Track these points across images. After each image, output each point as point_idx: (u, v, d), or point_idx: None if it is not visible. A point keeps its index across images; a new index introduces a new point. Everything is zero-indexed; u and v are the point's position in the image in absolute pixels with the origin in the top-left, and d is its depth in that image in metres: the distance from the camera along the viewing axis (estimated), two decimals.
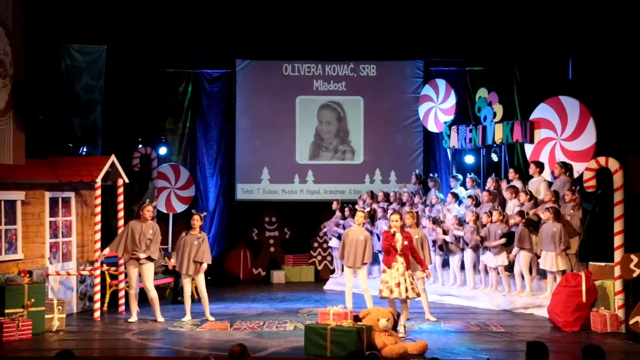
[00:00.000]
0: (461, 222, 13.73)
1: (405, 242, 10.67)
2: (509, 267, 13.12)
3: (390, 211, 14.12)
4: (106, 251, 12.07)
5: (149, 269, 11.89)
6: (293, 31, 16.87)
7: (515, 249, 12.63)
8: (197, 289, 12.05)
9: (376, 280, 14.89)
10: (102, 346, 10.42)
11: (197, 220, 11.95)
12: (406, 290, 10.53)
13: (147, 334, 10.98)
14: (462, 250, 13.66)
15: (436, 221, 13.99)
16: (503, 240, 12.78)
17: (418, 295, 10.84)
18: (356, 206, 13.86)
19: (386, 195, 15.60)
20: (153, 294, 11.93)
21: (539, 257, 12.51)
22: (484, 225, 13.18)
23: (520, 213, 12.74)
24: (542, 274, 12.75)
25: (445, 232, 13.88)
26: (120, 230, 12.22)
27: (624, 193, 11.17)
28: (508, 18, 15.88)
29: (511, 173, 14.21)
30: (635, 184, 11.65)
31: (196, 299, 12.81)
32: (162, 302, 12.35)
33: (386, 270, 10.68)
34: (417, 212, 12.84)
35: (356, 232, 11.96)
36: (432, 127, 16.78)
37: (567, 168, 13.13)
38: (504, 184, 14.12)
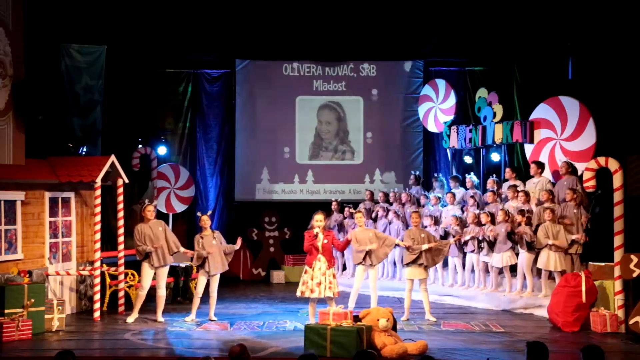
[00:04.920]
0: (461, 222, 13.76)
1: (326, 241, 10.94)
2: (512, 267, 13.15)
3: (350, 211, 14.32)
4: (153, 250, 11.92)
5: (165, 269, 11.99)
6: (293, 31, 16.87)
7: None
8: (209, 288, 12.00)
9: (379, 281, 14.95)
10: (102, 346, 10.42)
11: (206, 221, 11.99)
12: (325, 289, 10.82)
13: (147, 334, 10.98)
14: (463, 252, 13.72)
15: (434, 222, 14.03)
16: (508, 245, 12.83)
17: (336, 294, 10.98)
18: (348, 208, 13.98)
19: (385, 195, 15.59)
20: (163, 292, 12.03)
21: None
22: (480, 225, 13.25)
23: (521, 212, 12.74)
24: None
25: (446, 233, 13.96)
26: (136, 238, 11.92)
27: (623, 193, 11.17)
28: (508, 18, 15.88)
29: (508, 172, 14.24)
30: (635, 184, 11.65)
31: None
32: None
33: (307, 270, 10.92)
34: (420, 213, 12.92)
35: (364, 233, 12.00)
36: (432, 127, 16.78)
37: (573, 167, 13.12)
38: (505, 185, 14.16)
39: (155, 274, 11.94)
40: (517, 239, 12.68)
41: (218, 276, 12.01)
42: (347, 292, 12.60)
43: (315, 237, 10.93)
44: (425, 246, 11.98)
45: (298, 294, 11.07)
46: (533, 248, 12.55)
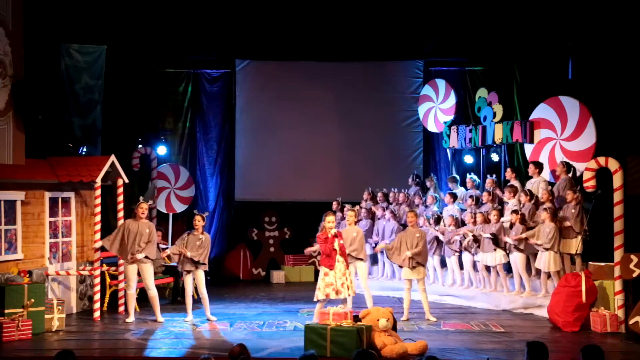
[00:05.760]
0: (458, 222, 13.77)
1: (341, 241, 10.94)
2: (508, 267, 13.16)
3: (346, 210, 14.24)
4: (98, 244, 12.07)
5: (148, 268, 11.90)
6: (293, 31, 16.85)
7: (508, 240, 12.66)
8: (197, 289, 12.04)
9: (379, 281, 14.99)
10: (102, 346, 10.41)
11: (199, 221, 11.95)
12: (348, 289, 10.83)
13: (147, 334, 10.99)
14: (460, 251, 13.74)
15: (437, 221, 14.05)
16: (488, 235, 12.84)
17: (354, 293, 11.06)
18: (347, 208, 13.97)
19: (385, 195, 15.59)
20: (153, 292, 11.95)
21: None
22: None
23: (515, 211, 12.74)
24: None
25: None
26: (117, 228, 12.19)
27: (623, 193, 11.17)
28: (508, 18, 15.87)
29: (508, 172, 14.24)
30: (635, 184, 11.65)
31: (195, 299, 12.81)
32: (162, 302, 12.35)
33: (329, 272, 10.83)
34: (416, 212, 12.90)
35: (349, 231, 11.96)
36: (432, 127, 16.78)
37: (569, 168, 13.14)
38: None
39: (139, 274, 11.93)
40: (503, 244, 12.75)
41: (202, 276, 11.93)
42: None
43: (336, 237, 10.88)
44: (408, 253, 11.95)
45: (322, 297, 10.84)
46: (523, 250, 12.59)
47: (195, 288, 12.29)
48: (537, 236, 12.26)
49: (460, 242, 13.56)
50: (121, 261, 12.57)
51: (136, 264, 11.83)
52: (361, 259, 11.94)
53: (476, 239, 13.23)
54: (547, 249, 12.12)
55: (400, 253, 12.13)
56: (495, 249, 12.87)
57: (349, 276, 10.91)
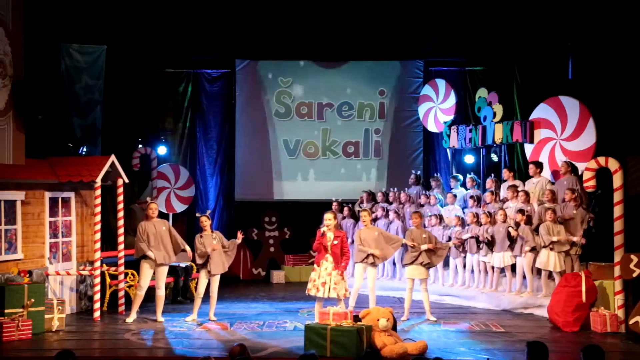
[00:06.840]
0: (464, 222, 13.76)
1: (336, 242, 10.90)
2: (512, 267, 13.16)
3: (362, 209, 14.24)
4: (151, 254, 11.79)
5: (164, 269, 11.96)
6: (293, 31, 16.86)
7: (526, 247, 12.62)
8: (210, 288, 11.99)
9: (379, 281, 14.96)
10: (102, 346, 10.41)
11: (205, 222, 11.97)
12: (329, 290, 10.80)
13: (147, 334, 10.97)
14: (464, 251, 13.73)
15: (442, 220, 14.06)
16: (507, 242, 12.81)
17: (342, 296, 10.93)
18: (356, 207, 13.88)
19: (385, 195, 15.58)
20: (162, 292, 11.99)
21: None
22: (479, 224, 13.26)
23: (521, 212, 12.74)
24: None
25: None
26: (137, 236, 11.95)
27: (623, 193, 11.18)
28: (508, 18, 15.88)
29: (505, 173, 14.25)
30: (635, 183, 11.65)
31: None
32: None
33: (316, 268, 10.93)
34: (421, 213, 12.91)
35: (369, 232, 11.95)
36: (432, 127, 16.78)
37: (573, 167, 13.13)
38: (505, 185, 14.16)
39: (154, 273, 11.92)
40: (515, 238, 12.70)
41: (218, 276, 12.00)
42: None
43: (322, 235, 10.89)
44: (424, 246, 11.98)
45: (307, 292, 11.08)
46: (534, 248, 12.54)
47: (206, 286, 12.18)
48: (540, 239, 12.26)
49: (463, 245, 13.53)
50: (121, 261, 12.58)
51: (153, 266, 11.80)
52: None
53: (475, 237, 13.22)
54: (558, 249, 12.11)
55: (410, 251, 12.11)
56: (506, 249, 12.83)
57: (334, 277, 10.85)
